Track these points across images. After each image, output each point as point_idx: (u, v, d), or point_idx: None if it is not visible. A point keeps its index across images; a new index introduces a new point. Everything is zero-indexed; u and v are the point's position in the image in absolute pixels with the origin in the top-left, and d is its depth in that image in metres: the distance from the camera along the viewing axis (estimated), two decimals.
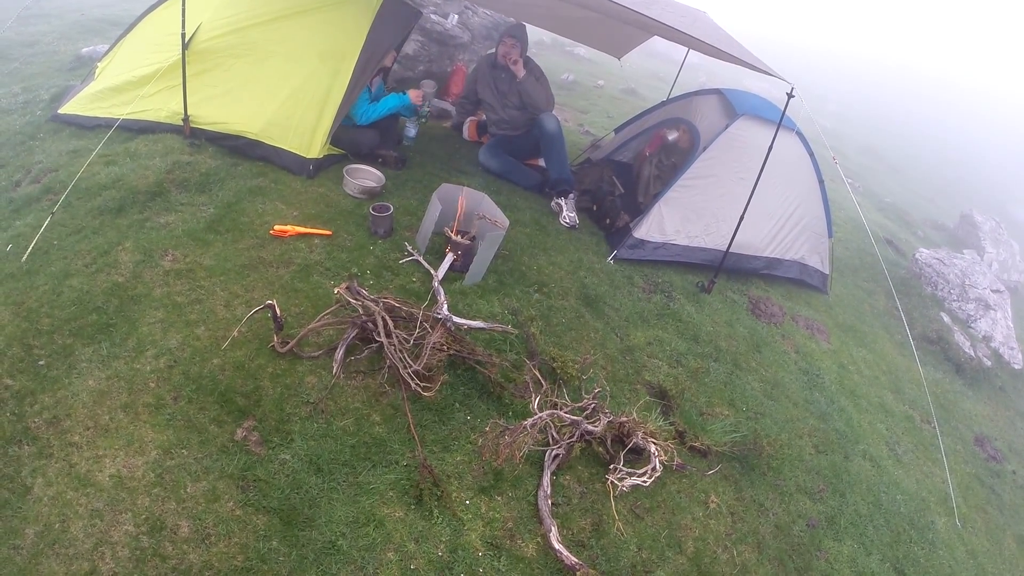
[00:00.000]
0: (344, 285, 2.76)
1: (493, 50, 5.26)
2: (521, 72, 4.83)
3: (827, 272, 5.43)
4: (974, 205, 11.54)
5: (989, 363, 5.93)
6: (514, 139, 5.16)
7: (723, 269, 4.57)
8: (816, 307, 5.23)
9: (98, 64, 4.57)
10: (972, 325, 6.53)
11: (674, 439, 3.04)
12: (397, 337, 2.58)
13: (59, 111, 4.39)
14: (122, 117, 3.81)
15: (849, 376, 4.54)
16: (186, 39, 3.78)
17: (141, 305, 2.83)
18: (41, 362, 2.51)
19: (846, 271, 6.41)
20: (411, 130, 4.97)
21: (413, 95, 4.56)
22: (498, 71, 5.01)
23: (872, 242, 5.17)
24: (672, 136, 5.16)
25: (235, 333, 2.72)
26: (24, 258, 2.96)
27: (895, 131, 21.29)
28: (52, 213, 3.15)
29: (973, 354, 5.90)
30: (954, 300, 6.72)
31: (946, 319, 6.22)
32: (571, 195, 4.76)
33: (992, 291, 6.95)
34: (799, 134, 4.92)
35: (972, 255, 8.82)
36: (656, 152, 5.25)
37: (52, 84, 5.35)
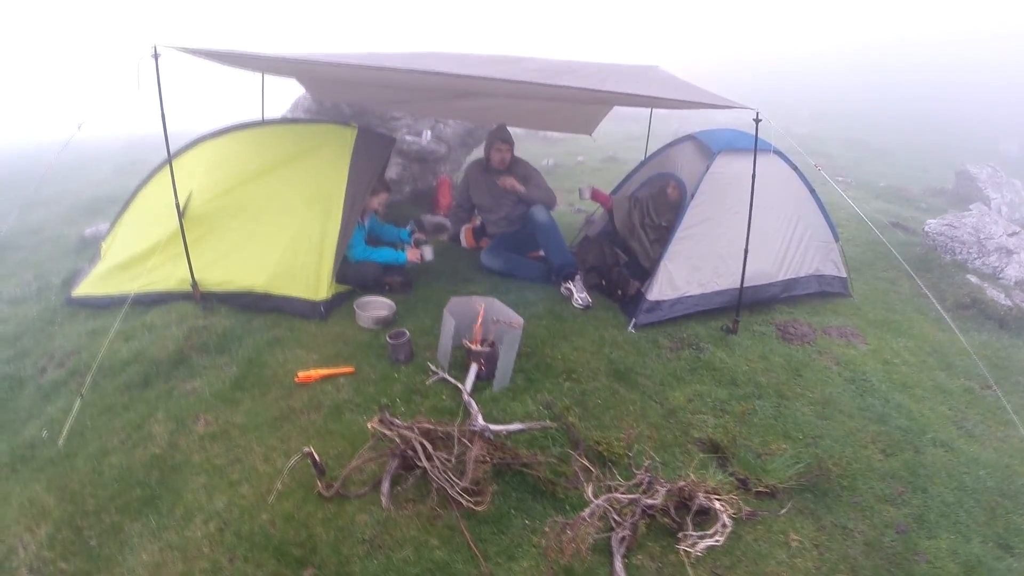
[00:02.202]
0: (376, 418, 2.78)
1: (482, 156, 5.51)
2: (520, 189, 5.10)
3: (845, 275, 5.38)
4: (966, 159, 11.56)
5: None
6: (514, 234, 5.32)
7: (743, 306, 4.53)
8: (844, 313, 5.14)
9: (102, 244, 4.78)
10: (1000, 276, 6.41)
11: (737, 489, 2.94)
12: (438, 459, 2.57)
13: (72, 294, 4.57)
14: (133, 292, 3.97)
15: (896, 370, 4.40)
16: (181, 208, 3.98)
17: (182, 473, 2.86)
18: (92, 542, 2.53)
19: (863, 267, 6.34)
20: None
21: (411, 254, 4.72)
22: (491, 174, 5.26)
23: (878, 232, 5.13)
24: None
25: (278, 485, 2.72)
26: (61, 442, 3.05)
27: (871, 113, 21.58)
28: (81, 395, 3.26)
29: (1011, 303, 5.75)
30: (975, 258, 6.62)
31: (974, 280, 6.10)
32: (577, 276, 4.80)
33: (1008, 235, 6.85)
34: (777, 152, 4.98)
35: (979, 207, 8.71)
36: (629, 213, 5.33)
37: (62, 268, 5.58)
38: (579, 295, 4.68)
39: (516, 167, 5.34)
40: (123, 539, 2.53)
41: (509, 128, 5.43)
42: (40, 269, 5.94)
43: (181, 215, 3.97)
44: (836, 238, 5.35)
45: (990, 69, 26.44)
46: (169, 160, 4.00)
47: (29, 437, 3.16)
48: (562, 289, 4.86)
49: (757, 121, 3.92)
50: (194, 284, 4.03)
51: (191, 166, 4.38)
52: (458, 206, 5.72)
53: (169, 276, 4.13)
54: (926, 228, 7.06)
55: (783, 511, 2.92)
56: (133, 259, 4.28)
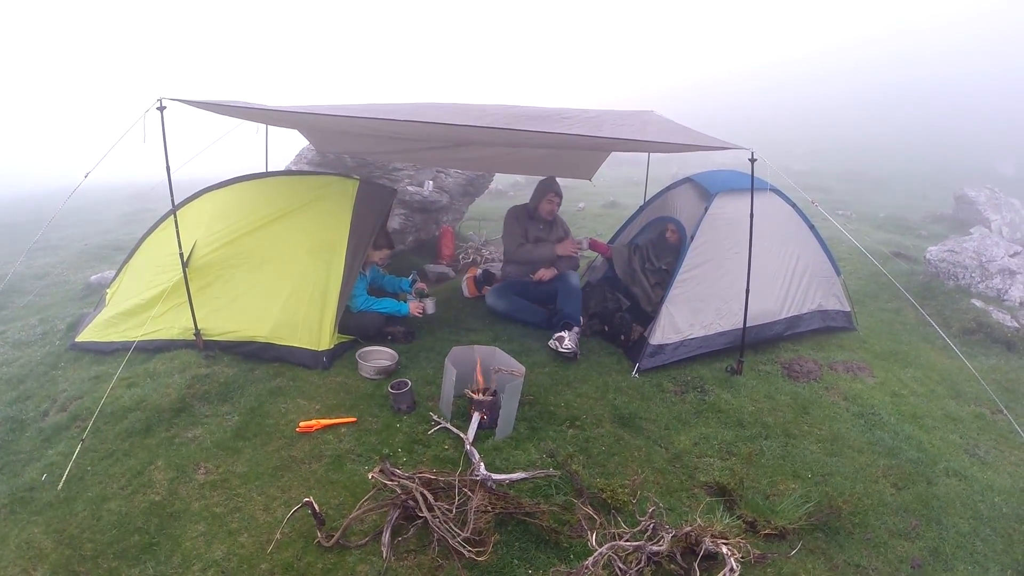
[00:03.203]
0: (377, 468, 2.77)
1: (521, 204, 5.63)
2: (553, 273, 5.28)
3: (848, 309, 5.40)
4: (964, 182, 11.65)
5: None
6: (527, 283, 5.37)
7: (747, 345, 4.53)
8: (850, 347, 5.13)
9: (107, 290, 4.84)
10: (1005, 297, 6.43)
11: (745, 532, 2.89)
12: (439, 509, 2.55)
13: (76, 339, 4.59)
14: (137, 339, 4.01)
15: (904, 401, 4.36)
16: (185, 257, 4.03)
17: (181, 521, 2.84)
18: None
19: (867, 300, 6.37)
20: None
21: (413, 307, 4.76)
22: (535, 221, 5.42)
23: (878, 263, 5.17)
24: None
25: (278, 535, 2.69)
26: (60, 486, 3.03)
27: (867, 142, 21.84)
28: (82, 440, 3.27)
29: (1017, 324, 5.75)
30: (978, 282, 6.62)
31: (978, 304, 6.11)
32: (576, 329, 4.71)
33: (1010, 256, 6.88)
34: (774, 190, 5.05)
35: (980, 230, 8.77)
36: (630, 259, 5.41)
37: (67, 314, 5.62)
38: (569, 342, 4.54)
39: (557, 222, 5.51)
40: None
41: (508, 175, 5.56)
42: (45, 313, 5.99)
43: (185, 264, 4.02)
44: (838, 272, 5.37)
45: (982, 88, 26.87)
46: (174, 210, 4.08)
47: (28, 480, 3.15)
48: (555, 338, 4.63)
49: (752, 160, 3.98)
50: (197, 333, 4.05)
51: (196, 216, 4.46)
52: (519, 246, 5.49)
53: (173, 324, 4.16)
54: (927, 255, 7.08)
55: (793, 552, 2.86)
56: (137, 307, 4.32)
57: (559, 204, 5.42)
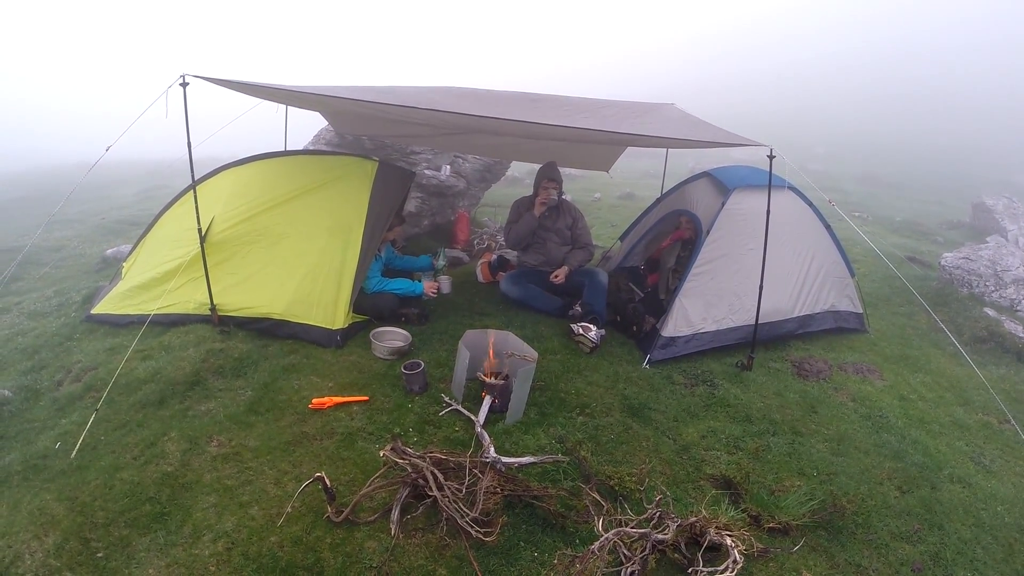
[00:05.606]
0: (389, 447, 2.80)
1: (527, 195, 5.54)
2: (566, 272, 5.19)
3: (861, 311, 5.38)
4: (982, 191, 11.53)
5: None
6: (542, 271, 5.33)
7: (758, 342, 4.53)
8: (860, 349, 5.12)
9: (123, 264, 4.89)
10: (1018, 308, 6.37)
11: (749, 526, 2.90)
12: (449, 489, 2.58)
13: (92, 311, 4.64)
14: (153, 313, 4.05)
15: (913, 406, 4.35)
16: (202, 233, 4.06)
17: (193, 492, 2.88)
18: (100, 554, 2.54)
19: (879, 303, 6.33)
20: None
21: (427, 286, 4.76)
22: (542, 215, 5.34)
23: (893, 267, 5.13)
24: (688, 233, 5.32)
25: (288, 509, 2.73)
26: (73, 454, 3.08)
27: (886, 147, 21.60)
28: (96, 410, 3.32)
29: None
30: (992, 291, 6.57)
31: (991, 313, 6.04)
32: (601, 330, 4.71)
33: None
34: (792, 188, 5.03)
35: (996, 239, 8.67)
36: (671, 247, 5.40)
37: (82, 286, 5.69)
38: (595, 334, 4.57)
39: (562, 207, 5.38)
40: (130, 553, 2.55)
41: (528, 164, 5.48)
42: (61, 285, 6.07)
43: (203, 239, 4.06)
44: (852, 273, 5.35)
45: (1003, 99, 26.49)
46: (193, 185, 4.11)
47: (42, 448, 3.19)
48: (581, 325, 4.70)
49: (771, 157, 3.95)
50: (213, 308, 4.10)
51: (214, 192, 4.49)
52: (512, 222, 5.49)
53: (188, 299, 4.20)
54: (942, 262, 7.02)
55: (796, 548, 2.88)
56: (154, 280, 4.36)
57: (556, 191, 5.28)
